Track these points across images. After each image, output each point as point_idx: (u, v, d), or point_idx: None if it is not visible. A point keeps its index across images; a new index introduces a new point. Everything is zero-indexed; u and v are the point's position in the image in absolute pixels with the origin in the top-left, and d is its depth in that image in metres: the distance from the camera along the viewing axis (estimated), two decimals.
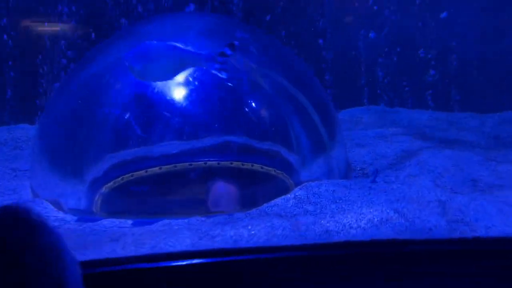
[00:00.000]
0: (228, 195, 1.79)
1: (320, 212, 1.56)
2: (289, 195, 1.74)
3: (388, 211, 1.50)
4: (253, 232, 1.42)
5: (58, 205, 1.70)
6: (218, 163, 1.89)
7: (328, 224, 1.46)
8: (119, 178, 1.84)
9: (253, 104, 1.96)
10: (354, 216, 1.49)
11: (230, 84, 1.93)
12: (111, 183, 1.83)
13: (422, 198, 1.56)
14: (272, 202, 1.71)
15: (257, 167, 1.93)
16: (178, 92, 1.89)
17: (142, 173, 1.86)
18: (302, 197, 1.70)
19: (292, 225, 1.46)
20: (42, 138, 1.88)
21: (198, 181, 1.88)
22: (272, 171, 1.95)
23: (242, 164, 1.93)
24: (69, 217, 1.60)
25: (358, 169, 2.11)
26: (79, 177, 1.77)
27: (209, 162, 1.89)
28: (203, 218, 1.62)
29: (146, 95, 1.88)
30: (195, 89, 1.91)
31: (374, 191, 1.67)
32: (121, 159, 1.86)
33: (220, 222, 1.53)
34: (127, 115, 1.85)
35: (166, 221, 1.59)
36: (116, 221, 1.57)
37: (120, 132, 1.87)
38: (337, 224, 1.46)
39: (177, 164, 1.88)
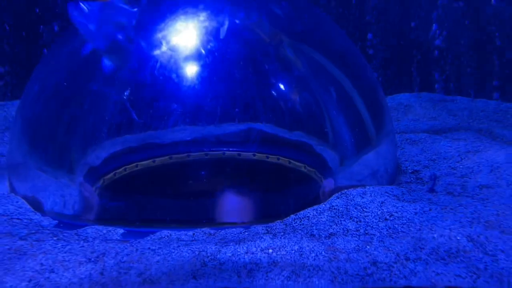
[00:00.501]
0: (246, 201, 1.44)
1: (365, 233, 1.18)
2: (323, 205, 1.37)
3: (458, 238, 1.11)
4: (275, 259, 1.06)
5: (37, 204, 1.39)
6: (239, 154, 1.55)
7: (376, 253, 1.08)
8: (121, 169, 1.52)
9: (282, 86, 1.58)
10: (411, 242, 1.11)
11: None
12: (111, 174, 1.51)
13: (505, 222, 1.15)
14: (302, 213, 1.35)
15: (284, 161, 1.57)
16: (192, 67, 1.54)
17: (149, 163, 1.53)
18: (341, 209, 1.33)
19: (328, 250, 1.09)
20: (22, 115, 1.57)
21: (214, 176, 1.55)
22: (302, 167, 1.59)
23: (267, 157, 1.58)
24: (46, 221, 1.29)
25: (410, 171, 1.71)
26: (67, 167, 1.46)
27: (228, 152, 1.55)
28: (212, 231, 1.27)
29: (153, 70, 1.54)
30: (213, 64, 1.56)
31: (436, 207, 1.28)
32: (125, 146, 1.53)
33: (233, 240, 1.18)
34: (130, 93, 1.51)
35: (166, 232, 1.25)
36: (104, 230, 1.25)
37: (122, 113, 1.53)
38: (388, 254, 1.08)
39: (190, 154, 1.54)
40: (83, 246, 1.08)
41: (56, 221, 1.28)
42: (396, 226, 1.20)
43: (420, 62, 2.60)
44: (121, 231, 1.25)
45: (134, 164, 1.53)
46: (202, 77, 1.55)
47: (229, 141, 1.57)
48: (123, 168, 1.53)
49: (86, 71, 1.59)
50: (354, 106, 1.77)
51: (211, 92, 1.56)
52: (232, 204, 1.44)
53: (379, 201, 1.34)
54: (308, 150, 1.60)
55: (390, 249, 1.10)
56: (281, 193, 1.53)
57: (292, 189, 1.57)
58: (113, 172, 1.52)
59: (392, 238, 1.14)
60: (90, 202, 1.44)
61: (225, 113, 1.56)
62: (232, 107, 1.57)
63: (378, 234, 1.17)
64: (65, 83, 1.55)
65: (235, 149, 1.57)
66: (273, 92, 1.61)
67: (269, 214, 1.47)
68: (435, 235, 1.12)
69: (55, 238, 1.12)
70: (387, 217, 1.25)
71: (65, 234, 1.18)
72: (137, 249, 1.09)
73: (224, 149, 1.57)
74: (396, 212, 1.27)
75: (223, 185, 1.52)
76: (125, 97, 1.51)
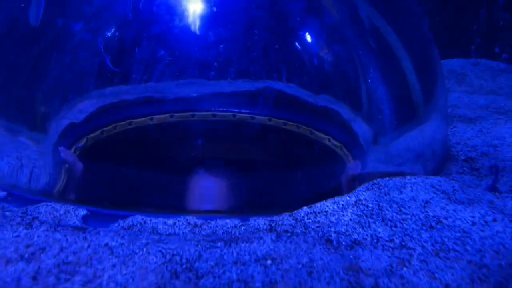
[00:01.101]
0: (249, 182, 1.14)
1: (401, 245, 0.86)
2: (348, 197, 1.05)
3: None
4: (272, 278, 0.76)
5: None
6: (252, 117, 1.24)
7: (415, 280, 0.77)
8: (111, 126, 1.24)
9: (309, 38, 1.23)
10: (468, 270, 0.79)
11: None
12: (98, 132, 1.24)
13: None
14: (318, 205, 1.04)
15: (304, 130, 1.25)
16: (199, 6, 1.22)
17: (145, 120, 1.24)
18: (371, 205, 1.01)
19: (348, 270, 0.79)
20: None
21: (217, 143, 1.25)
22: (325, 139, 1.27)
23: (284, 123, 1.28)
24: None
25: (463, 158, 1.35)
26: (29, 123, 1.18)
27: (239, 115, 1.24)
28: (198, 221, 0.98)
29: (152, 8, 1.22)
30: (225, 7, 1.23)
31: (503, 217, 0.94)
32: (118, 98, 1.23)
33: (223, 238, 0.89)
34: (123, 33, 1.20)
35: (140, 218, 0.97)
36: (61, 209, 0.97)
37: (114, 58, 1.22)
38: (434, 284, 0.76)
39: (195, 113, 1.24)
40: (18, 236, 0.81)
41: (5, 193, 1.00)
42: (446, 240, 0.87)
43: (482, 21, 2.15)
44: (83, 212, 0.97)
45: (127, 121, 1.24)
46: (213, 20, 1.23)
47: (241, 100, 1.26)
48: (112, 125, 1.24)
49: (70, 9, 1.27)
50: (399, 68, 1.41)
51: (223, 40, 1.24)
52: (231, 185, 1.14)
53: (422, 199, 1.01)
54: (336, 120, 1.27)
55: (436, 277, 0.78)
56: (295, 172, 1.23)
57: (309, 168, 1.25)
58: (100, 130, 1.23)
59: (440, 258, 0.82)
60: (60, 169, 1.17)
61: (239, 67, 1.25)
62: (248, 60, 1.25)
63: (420, 250, 0.85)
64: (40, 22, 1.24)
65: (247, 111, 1.26)
66: (298, 44, 1.26)
67: (276, 201, 1.17)
68: (503, 263, 0.79)
69: None
70: (433, 224, 0.93)
71: (6, 214, 0.91)
72: (89, 245, 0.81)
73: (236, 110, 1.26)
74: (446, 219, 0.94)
75: (225, 157, 1.22)
76: (110, 37, 1.20)
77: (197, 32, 1.22)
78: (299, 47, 1.27)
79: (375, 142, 1.31)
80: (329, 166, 1.29)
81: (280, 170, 1.23)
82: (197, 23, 1.22)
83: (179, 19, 1.22)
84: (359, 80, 1.33)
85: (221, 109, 1.28)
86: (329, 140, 1.29)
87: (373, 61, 1.34)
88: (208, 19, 1.22)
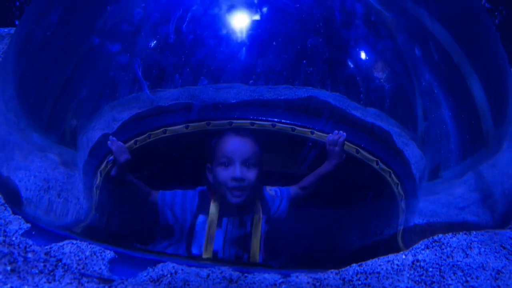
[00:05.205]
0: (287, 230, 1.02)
1: None
2: (403, 257, 0.92)
3: None
4: None
5: (12, 190, 1.04)
6: (292, 129, 1.12)
7: None
8: (145, 135, 1.13)
9: (362, 52, 1.09)
10: None
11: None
12: (131, 143, 1.13)
13: None
14: (370, 263, 0.91)
15: (350, 148, 1.12)
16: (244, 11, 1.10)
17: (180, 128, 1.14)
18: (431, 269, 0.88)
19: None
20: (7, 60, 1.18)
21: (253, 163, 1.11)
22: (373, 162, 1.13)
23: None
24: (15, 223, 0.94)
25: None
26: (66, 134, 1.08)
27: (278, 125, 1.13)
28: (234, 274, 0.87)
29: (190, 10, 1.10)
30: (268, 13, 1.10)
31: None
32: (151, 105, 1.13)
33: None
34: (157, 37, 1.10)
35: (169, 266, 0.87)
36: (87, 251, 0.88)
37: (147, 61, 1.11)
38: None
39: (233, 121, 1.14)
40: (37, 285, 0.73)
41: (29, 225, 0.92)
42: None
43: None
44: (110, 255, 0.89)
45: (162, 129, 1.13)
46: (255, 26, 1.10)
47: (282, 110, 1.13)
48: (146, 134, 1.13)
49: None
50: (467, 90, 1.23)
51: (267, 42, 1.11)
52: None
53: (493, 268, 0.87)
54: (385, 140, 1.12)
55: None
56: (340, 205, 1.09)
57: (358, 199, 1.12)
58: (134, 140, 1.13)
59: None
60: (89, 195, 1.07)
61: (281, 72, 1.12)
62: (291, 65, 1.12)
63: None
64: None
65: (288, 121, 1.13)
66: (349, 56, 1.12)
67: (318, 246, 1.05)
68: None
69: (8, 268, 0.78)
70: None
71: (28, 257, 0.83)
72: None
73: (275, 119, 1.14)
74: None
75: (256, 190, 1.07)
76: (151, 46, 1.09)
77: (242, 37, 1.10)
78: (350, 58, 1.13)
79: (435, 177, 1.16)
80: (380, 200, 1.15)
81: (323, 204, 1.10)
82: (243, 26, 1.10)
83: (221, 23, 1.10)
84: (415, 96, 1.17)
85: (260, 118, 1.16)
86: (377, 163, 1.15)
87: (434, 78, 1.18)
88: (255, 24, 1.10)
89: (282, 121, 1.13)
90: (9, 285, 0.73)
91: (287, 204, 1.03)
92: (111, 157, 1.07)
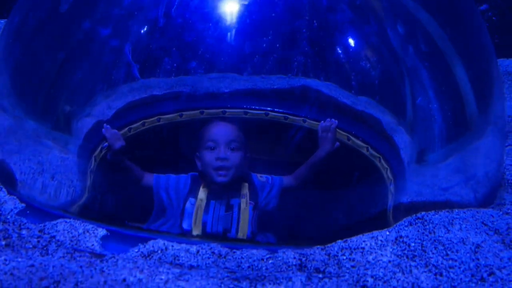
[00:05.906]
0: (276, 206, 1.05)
1: None
2: (387, 233, 0.95)
3: None
4: None
5: (7, 173, 1.07)
6: (285, 117, 1.15)
7: None
8: (139, 123, 1.16)
9: (351, 40, 1.12)
10: None
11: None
12: (125, 130, 1.15)
13: None
14: (354, 240, 0.94)
15: (341, 135, 1.14)
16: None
17: (174, 117, 1.17)
18: (413, 244, 0.91)
19: None
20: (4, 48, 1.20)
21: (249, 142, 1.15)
22: (363, 148, 1.16)
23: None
24: (10, 203, 0.97)
25: None
26: (53, 122, 1.10)
27: (271, 114, 1.16)
28: (223, 250, 0.90)
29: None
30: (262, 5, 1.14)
31: None
32: (147, 93, 1.16)
33: (248, 276, 0.81)
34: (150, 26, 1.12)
35: (161, 243, 0.91)
36: (80, 228, 0.92)
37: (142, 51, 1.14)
38: None
39: (226, 109, 1.16)
40: (33, 266, 0.76)
41: (24, 205, 0.95)
42: None
43: None
44: (102, 232, 0.92)
45: (156, 117, 1.16)
46: (248, 15, 1.13)
47: (275, 99, 1.17)
48: (141, 122, 1.16)
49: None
50: (452, 76, 1.26)
51: (259, 33, 1.14)
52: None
53: (473, 243, 0.90)
54: (375, 127, 1.15)
55: None
56: (329, 189, 1.12)
57: (346, 184, 1.14)
58: (128, 128, 1.15)
59: None
60: (83, 178, 1.10)
61: (274, 62, 1.15)
62: (284, 55, 1.15)
63: None
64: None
65: (281, 110, 1.16)
66: (340, 44, 1.15)
67: (306, 227, 1.08)
68: None
69: (3, 242, 0.81)
70: (485, 276, 0.82)
71: (22, 233, 0.86)
72: (106, 281, 0.75)
73: (268, 108, 1.17)
74: (500, 270, 0.83)
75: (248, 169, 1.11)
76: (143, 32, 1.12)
77: (234, 27, 1.13)
78: (341, 46, 1.16)
79: (421, 160, 1.19)
80: (369, 181, 1.17)
81: (313, 186, 1.13)
82: (235, 17, 1.13)
83: (214, 15, 1.13)
84: (405, 85, 1.20)
85: (253, 107, 1.19)
86: (367, 150, 1.18)
87: (422, 67, 1.21)
88: (247, 13, 1.14)
89: (275, 110, 1.16)
90: (3, 257, 0.75)
91: (277, 192, 1.06)
92: (106, 144, 1.09)
